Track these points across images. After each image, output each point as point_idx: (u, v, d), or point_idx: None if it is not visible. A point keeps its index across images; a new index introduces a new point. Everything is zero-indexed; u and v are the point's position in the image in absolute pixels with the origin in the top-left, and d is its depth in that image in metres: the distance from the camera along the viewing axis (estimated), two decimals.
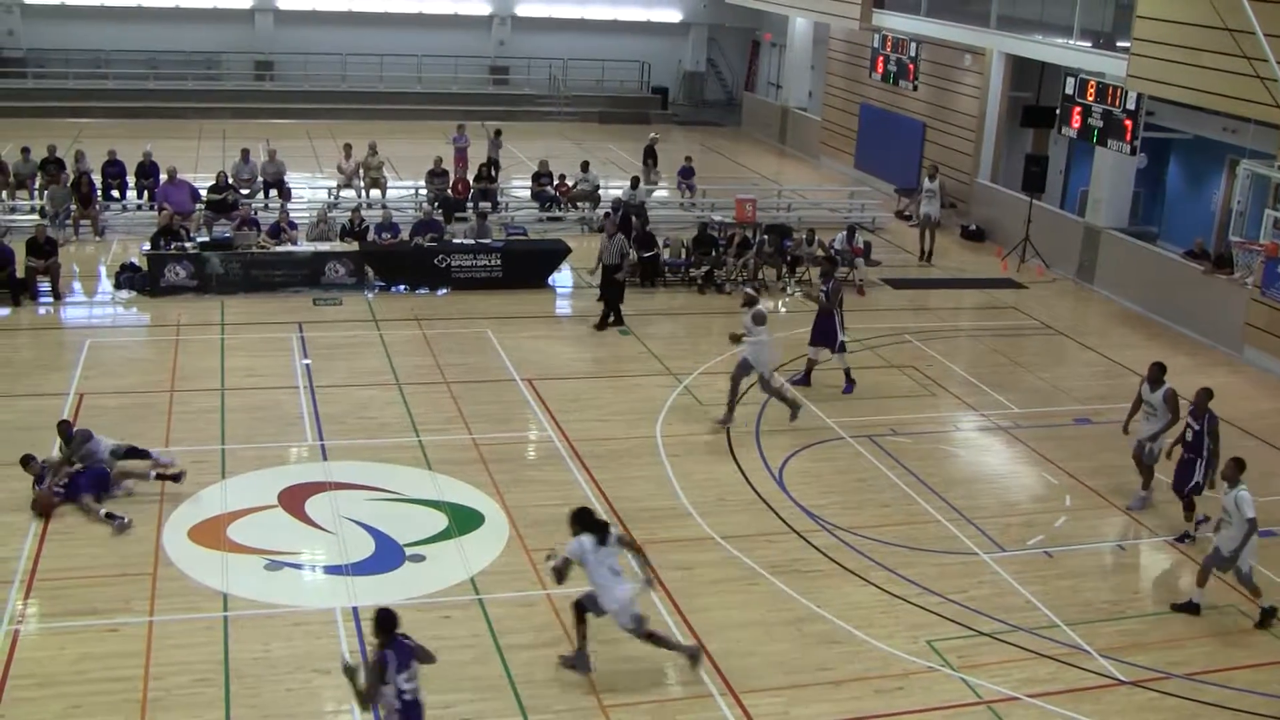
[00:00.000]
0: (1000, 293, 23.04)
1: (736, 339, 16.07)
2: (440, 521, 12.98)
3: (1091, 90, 22.11)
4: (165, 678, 10.10)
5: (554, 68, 40.98)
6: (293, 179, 26.21)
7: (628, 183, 25.79)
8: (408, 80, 39.40)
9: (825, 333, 17.07)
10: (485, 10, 41.54)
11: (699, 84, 44.54)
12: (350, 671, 8.46)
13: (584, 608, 10.26)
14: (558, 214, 26.13)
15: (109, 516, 12.53)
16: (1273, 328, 19.18)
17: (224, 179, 23.88)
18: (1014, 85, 27.46)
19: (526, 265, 21.68)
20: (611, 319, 19.50)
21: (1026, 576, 12.47)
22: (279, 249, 21.02)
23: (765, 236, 22.77)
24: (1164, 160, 26.34)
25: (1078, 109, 22.57)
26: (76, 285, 20.68)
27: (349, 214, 22.70)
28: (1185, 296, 21.20)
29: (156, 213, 22.24)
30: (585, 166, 26.83)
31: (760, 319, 15.62)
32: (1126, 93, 21.04)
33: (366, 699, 8.40)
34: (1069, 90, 22.80)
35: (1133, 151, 21.63)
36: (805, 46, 36.35)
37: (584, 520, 10.09)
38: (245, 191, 24.72)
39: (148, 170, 24.69)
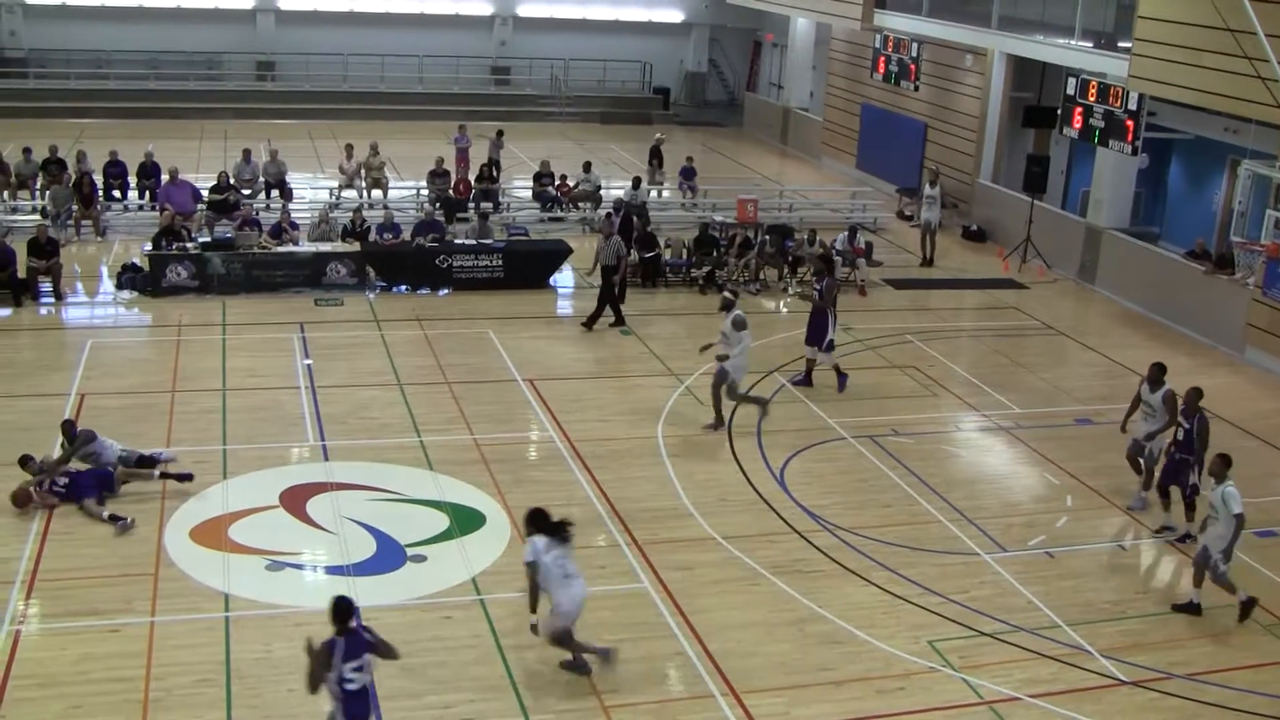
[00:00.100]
0: (1001, 293, 23.04)
1: (707, 349, 15.83)
2: (442, 522, 12.98)
3: (1093, 90, 22.11)
4: (167, 678, 10.10)
5: (555, 68, 40.94)
6: (294, 179, 26.24)
7: (629, 183, 25.80)
8: (409, 80, 39.39)
9: (818, 330, 17.06)
10: (487, 10, 41.54)
11: (700, 84, 44.53)
12: (310, 653, 8.49)
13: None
14: (559, 214, 26.11)
15: (112, 518, 12.53)
16: (1274, 328, 19.17)
17: (225, 179, 23.86)
18: (1015, 85, 27.45)
19: (528, 266, 21.68)
20: (612, 320, 19.47)
21: (1028, 577, 12.47)
22: (280, 249, 21.02)
23: (767, 237, 22.76)
24: (1165, 161, 26.33)
25: (1079, 109, 22.57)
26: (78, 285, 20.68)
27: (350, 214, 22.69)
28: (1186, 297, 21.19)
29: (158, 213, 22.27)
30: (587, 167, 26.83)
31: (741, 324, 15.32)
32: (1128, 93, 21.04)
33: (310, 682, 8.43)
34: (1070, 90, 22.80)
35: (1134, 152, 21.64)
36: (807, 47, 36.35)
37: (538, 521, 9.99)
38: (247, 192, 24.71)
39: (149, 170, 24.69)
